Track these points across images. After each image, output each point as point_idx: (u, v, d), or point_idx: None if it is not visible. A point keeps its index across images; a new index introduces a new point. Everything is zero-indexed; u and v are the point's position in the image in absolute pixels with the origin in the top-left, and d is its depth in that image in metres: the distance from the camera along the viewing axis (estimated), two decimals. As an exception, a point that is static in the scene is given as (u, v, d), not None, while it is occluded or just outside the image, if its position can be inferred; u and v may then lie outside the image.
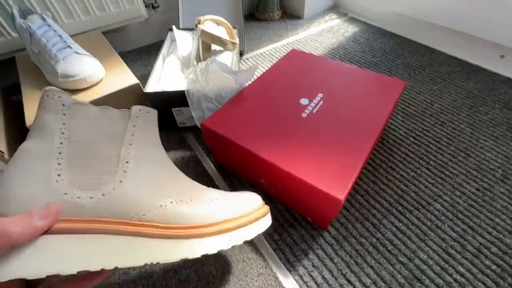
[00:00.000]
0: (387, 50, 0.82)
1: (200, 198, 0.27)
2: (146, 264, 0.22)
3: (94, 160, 0.23)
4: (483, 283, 0.36)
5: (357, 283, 0.36)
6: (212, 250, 0.25)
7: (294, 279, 0.37)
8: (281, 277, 0.37)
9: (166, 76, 0.57)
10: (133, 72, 0.56)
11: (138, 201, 0.23)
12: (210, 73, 0.48)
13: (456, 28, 0.77)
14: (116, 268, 0.21)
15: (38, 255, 0.19)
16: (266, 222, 0.31)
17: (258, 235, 0.29)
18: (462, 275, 0.36)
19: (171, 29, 0.69)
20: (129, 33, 0.86)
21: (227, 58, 0.63)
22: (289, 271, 0.38)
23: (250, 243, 0.41)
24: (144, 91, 0.52)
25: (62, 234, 0.20)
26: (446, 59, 0.77)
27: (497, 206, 0.44)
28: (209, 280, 0.37)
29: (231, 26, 0.65)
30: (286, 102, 0.47)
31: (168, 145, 0.55)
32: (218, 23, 0.64)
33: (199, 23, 0.58)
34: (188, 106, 0.51)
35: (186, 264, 0.39)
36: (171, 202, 0.25)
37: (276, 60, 0.80)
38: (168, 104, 0.53)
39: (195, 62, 0.60)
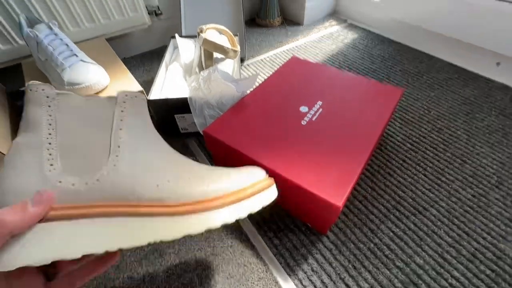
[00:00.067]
0: (386, 56, 0.84)
1: (199, 175, 0.26)
2: (149, 244, 0.22)
3: (85, 147, 0.23)
4: (478, 288, 0.37)
5: None
6: (215, 224, 0.24)
7: (294, 283, 0.38)
8: (281, 281, 0.38)
9: (169, 83, 0.59)
10: (136, 78, 0.57)
11: (133, 183, 0.23)
12: (212, 81, 0.49)
13: (453, 35, 0.78)
14: (121, 251, 0.22)
15: (38, 241, 0.19)
16: (271, 193, 0.29)
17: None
18: (457, 279, 0.37)
19: (173, 37, 0.71)
20: (132, 39, 0.87)
21: (229, 65, 0.64)
22: (289, 275, 0.39)
23: (252, 248, 0.42)
24: (148, 98, 0.53)
25: (60, 220, 0.21)
26: (444, 66, 0.78)
27: (492, 212, 0.45)
28: (210, 284, 0.38)
29: (232, 34, 0.66)
30: (286, 109, 0.48)
31: (170, 151, 0.56)
32: (220, 31, 0.65)
33: (201, 31, 0.59)
34: (191, 113, 0.52)
35: (188, 268, 0.40)
36: (168, 181, 0.24)
37: (276, 66, 0.82)
38: (171, 111, 0.55)
39: (197, 70, 0.62)
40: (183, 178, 0.25)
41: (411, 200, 0.47)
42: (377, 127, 0.44)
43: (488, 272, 0.38)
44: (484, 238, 0.41)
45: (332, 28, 1.02)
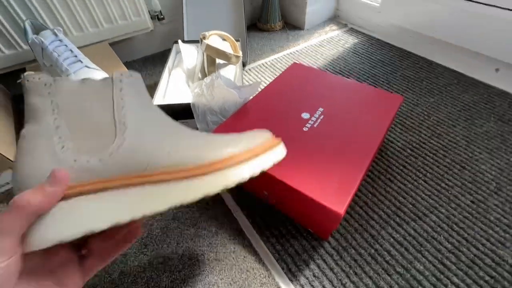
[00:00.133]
0: (386, 62, 0.84)
1: (209, 140, 0.27)
2: (170, 209, 0.23)
3: (91, 126, 0.24)
4: (477, 294, 0.37)
5: (356, 293, 0.38)
6: (232, 181, 0.25)
7: (296, 288, 0.39)
8: (283, 287, 0.39)
9: (172, 88, 0.59)
10: (140, 85, 0.58)
11: (145, 153, 0.24)
12: (215, 87, 0.50)
13: (453, 41, 0.79)
14: (144, 218, 0.22)
15: (65, 217, 0.21)
16: (280, 151, 0.29)
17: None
18: (457, 286, 0.38)
19: (176, 42, 0.71)
20: (135, 43, 0.88)
21: (231, 70, 0.65)
22: (291, 281, 0.39)
23: (254, 253, 0.42)
24: (151, 104, 0.54)
25: (82, 195, 0.22)
26: (443, 72, 0.79)
27: (491, 218, 0.45)
28: (214, 289, 0.39)
29: (234, 40, 0.67)
30: (288, 116, 0.49)
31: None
32: (222, 37, 0.66)
33: (204, 38, 0.60)
34: (194, 119, 0.53)
35: (191, 273, 0.40)
36: (179, 148, 0.25)
37: (278, 71, 0.82)
38: (174, 116, 0.54)
39: (200, 75, 0.62)
40: (193, 144, 0.26)
41: (411, 206, 0.47)
42: (377, 135, 0.45)
43: (487, 278, 0.39)
44: (483, 244, 0.42)
45: (332, 32, 1.03)
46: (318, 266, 0.41)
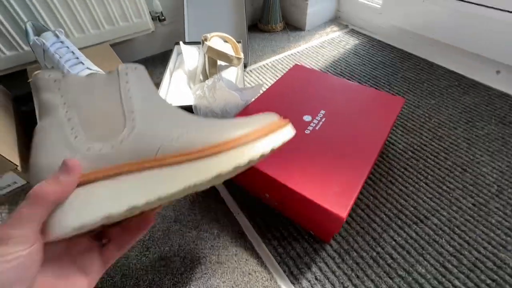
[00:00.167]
0: (387, 63, 0.85)
1: (217, 123, 0.28)
2: (185, 190, 0.23)
3: (102, 117, 0.25)
4: (479, 297, 0.37)
5: (358, 296, 0.38)
6: (243, 160, 0.25)
7: (298, 291, 0.39)
8: (285, 290, 0.39)
9: (174, 90, 0.59)
10: (141, 86, 0.58)
11: (156, 137, 0.25)
12: (217, 90, 0.50)
13: (454, 43, 0.79)
14: (161, 202, 0.23)
15: (82, 203, 0.21)
16: (289, 130, 0.30)
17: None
18: (458, 289, 0.38)
19: (177, 43, 0.71)
20: (136, 44, 0.88)
21: (232, 72, 0.65)
22: (293, 283, 0.39)
23: (256, 256, 0.42)
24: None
25: (96, 181, 0.22)
26: (444, 73, 0.79)
27: (492, 221, 0.45)
28: (216, 292, 0.39)
29: (236, 42, 0.67)
30: (289, 118, 0.48)
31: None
32: (224, 39, 0.66)
33: (205, 39, 0.60)
34: (195, 121, 0.53)
35: (194, 276, 0.40)
36: (188, 132, 0.26)
37: (279, 72, 0.82)
38: (175, 118, 0.55)
39: (201, 77, 0.62)
40: (203, 127, 0.26)
41: (412, 209, 0.47)
42: (379, 137, 0.45)
43: (488, 281, 0.39)
44: (484, 248, 0.42)
45: (333, 33, 1.03)
46: (320, 269, 0.41)
